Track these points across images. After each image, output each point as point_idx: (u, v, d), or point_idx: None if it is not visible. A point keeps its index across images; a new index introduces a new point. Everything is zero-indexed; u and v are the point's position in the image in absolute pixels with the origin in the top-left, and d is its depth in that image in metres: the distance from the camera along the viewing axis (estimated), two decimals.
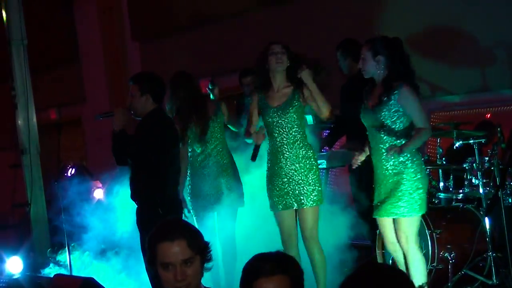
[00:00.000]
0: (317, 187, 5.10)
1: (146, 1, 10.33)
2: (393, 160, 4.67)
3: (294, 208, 5.10)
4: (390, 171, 4.70)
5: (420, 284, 4.43)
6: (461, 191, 5.57)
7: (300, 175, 5.08)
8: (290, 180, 5.09)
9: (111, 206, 6.79)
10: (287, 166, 5.10)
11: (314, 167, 5.14)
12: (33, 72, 7.99)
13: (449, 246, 5.20)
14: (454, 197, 5.63)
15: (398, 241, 4.77)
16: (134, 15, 10.65)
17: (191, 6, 9.58)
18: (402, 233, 4.71)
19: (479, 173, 5.28)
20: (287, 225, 5.15)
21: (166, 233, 2.99)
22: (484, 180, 5.30)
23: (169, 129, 5.55)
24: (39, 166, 7.89)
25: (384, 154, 4.72)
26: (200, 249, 2.99)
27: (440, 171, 5.77)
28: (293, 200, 5.08)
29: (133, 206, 5.56)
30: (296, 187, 5.07)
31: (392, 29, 7.18)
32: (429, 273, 5.25)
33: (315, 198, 5.08)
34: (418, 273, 4.70)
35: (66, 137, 10.48)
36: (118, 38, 10.94)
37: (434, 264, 5.19)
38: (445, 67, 7.07)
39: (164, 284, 2.97)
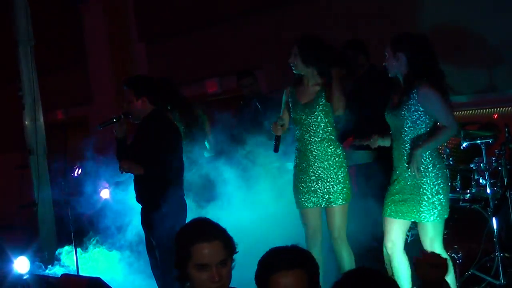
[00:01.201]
0: (346, 185, 5.10)
1: (153, 2, 10.35)
2: (428, 161, 4.58)
3: (322, 206, 5.10)
4: (410, 173, 4.63)
5: None
6: (468, 191, 5.55)
7: (330, 173, 5.07)
8: (319, 178, 5.08)
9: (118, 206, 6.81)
10: (316, 164, 5.09)
11: (344, 165, 5.13)
12: (40, 73, 8.01)
13: (456, 247, 5.19)
14: (461, 197, 5.60)
15: (422, 244, 4.77)
16: (141, 16, 10.67)
17: (197, 7, 9.59)
18: (426, 238, 4.69)
19: (486, 173, 5.27)
20: (313, 223, 5.14)
21: (202, 234, 2.98)
22: (492, 180, 5.29)
23: (171, 129, 5.55)
24: (46, 166, 7.91)
25: (405, 155, 4.69)
26: (232, 251, 3.02)
27: (447, 171, 5.76)
28: (321, 198, 5.08)
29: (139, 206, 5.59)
30: (325, 185, 5.06)
31: (399, 30, 7.19)
32: None
33: (344, 196, 5.08)
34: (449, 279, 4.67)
35: (73, 137, 10.51)
36: (124, 39, 10.96)
37: None
38: (452, 67, 7.02)
39: (196, 285, 2.96)
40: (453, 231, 5.27)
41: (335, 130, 5.16)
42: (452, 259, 5.17)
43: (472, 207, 5.53)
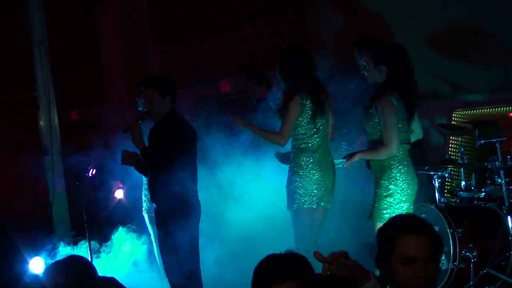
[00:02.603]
0: None
1: (166, 1, 10.37)
2: (394, 164, 4.80)
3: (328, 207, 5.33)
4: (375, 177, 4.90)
5: None
6: (483, 189, 5.54)
7: None
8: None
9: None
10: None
11: None
12: (54, 73, 8.04)
13: (471, 245, 5.16)
14: (476, 196, 5.59)
15: None
16: (154, 15, 10.69)
17: (211, 6, 9.60)
18: None
19: (501, 172, 5.24)
20: (321, 221, 5.32)
21: (410, 226, 2.83)
22: (507, 179, 5.26)
23: (189, 128, 5.54)
24: (61, 166, 7.94)
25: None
26: (440, 249, 2.88)
27: (462, 170, 5.75)
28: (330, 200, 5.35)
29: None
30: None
31: (413, 28, 7.17)
32: (451, 272, 5.23)
33: None
34: None
35: (87, 137, 10.54)
36: (138, 38, 10.98)
37: (456, 263, 5.15)
38: (466, 66, 7.02)
39: (401, 280, 2.80)
40: (468, 230, 5.24)
41: None
42: (467, 258, 5.17)
43: (487, 205, 5.50)
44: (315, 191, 5.24)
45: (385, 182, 4.81)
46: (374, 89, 4.89)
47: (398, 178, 4.80)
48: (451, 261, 5.16)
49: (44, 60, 7.86)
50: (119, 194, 8.36)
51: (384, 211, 4.80)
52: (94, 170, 7.14)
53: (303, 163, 5.26)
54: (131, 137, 5.48)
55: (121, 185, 8.40)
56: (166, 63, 10.52)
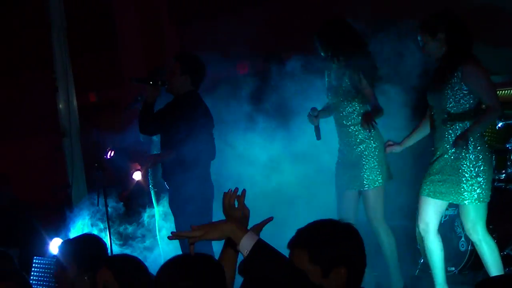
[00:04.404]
0: None
1: None
2: (470, 144, 4.55)
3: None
4: (450, 155, 4.63)
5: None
6: (503, 171, 5.50)
7: None
8: None
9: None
10: None
11: None
12: (72, 56, 8.06)
13: (491, 227, 5.13)
14: (497, 177, 5.55)
15: (464, 227, 4.76)
16: None
17: None
18: (467, 220, 4.68)
19: None
20: None
21: None
22: None
23: (205, 113, 5.56)
24: (79, 148, 7.98)
25: (446, 136, 4.66)
26: None
27: (490, 154, 5.69)
28: None
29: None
30: None
31: (433, 9, 7.08)
32: (470, 254, 5.21)
33: None
34: (491, 264, 4.64)
35: (105, 119, 10.59)
36: (155, 21, 10.98)
37: None
38: (487, 47, 6.92)
39: None
40: (488, 212, 5.21)
41: None
42: None
43: (508, 187, 5.46)
44: (385, 165, 5.27)
45: (459, 163, 4.64)
46: (441, 62, 4.71)
47: (473, 159, 4.60)
48: (470, 243, 5.13)
49: (62, 43, 7.87)
50: (137, 176, 8.39)
51: (464, 194, 4.65)
52: (113, 152, 7.18)
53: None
54: (148, 92, 5.54)
55: (139, 167, 8.43)
56: (183, 46, 10.52)
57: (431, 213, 4.75)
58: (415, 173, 5.61)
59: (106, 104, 11.70)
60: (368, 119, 4.99)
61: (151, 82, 5.59)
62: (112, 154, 7.17)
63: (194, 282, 2.64)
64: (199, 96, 5.65)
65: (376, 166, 5.23)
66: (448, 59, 4.60)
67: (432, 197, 4.72)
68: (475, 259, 5.21)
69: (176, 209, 5.58)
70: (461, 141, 4.48)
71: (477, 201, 4.59)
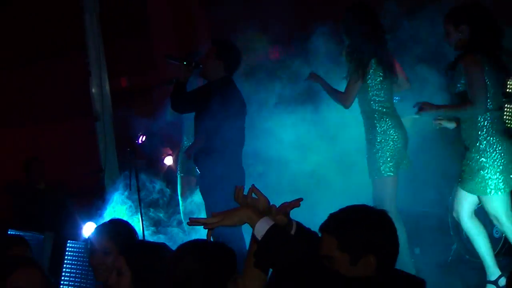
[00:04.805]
0: None
1: None
2: (482, 135, 4.63)
3: None
4: (467, 146, 4.73)
5: None
6: None
7: None
8: None
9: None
10: None
11: None
12: (105, 41, 8.11)
13: None
14: None
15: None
16: None
17: None
18: (489, 212, 4.69)
19: None
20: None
21: None
22: None
23: (238, 100, 5.56)
24: (112, 133, 8.04)
25: (462, 124, 4.67)
26: None
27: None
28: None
29: None
30: None
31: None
32: (504, 241, 5.18)
33: None
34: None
35: (137, 105, 10.65)
36: (186, 5, 10.99)
37: None
38: None
39: None
40: None
41: None
42: None
43: None
44: (396, 156, 5.21)
45: (475, 155, 4.68)
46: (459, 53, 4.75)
47: (487, 150, 4.65)
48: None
49: (95, 28, 7.92)
50: (168, 161, 8.44)
51: (480, 185, 4.68)
52: (144, 137, 7.23)
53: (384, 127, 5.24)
54: (181, 71, 5.57)
55: (170, 152, 8.48)
56: (214, 29, 10.51)
57: (460, 201, 4.78)
58: (448, 162, 5.57)
59: (138, 89, 11.77)
60: None
61: (185, 62, 5.62)
62: (143, 139, 7.23)
63: (205, 265, 2.67)
64: (233, 82, 5.66)
65: (377, 157, 5.23)
66: (463, 51, 4.63)
67: (466, 191, 4.76)
68: (509, 246, 5.17)
69: (206, 194, 5.61)
70: (426, 107, 4.70)
71: (494, 192, 4.56)
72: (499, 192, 4.62)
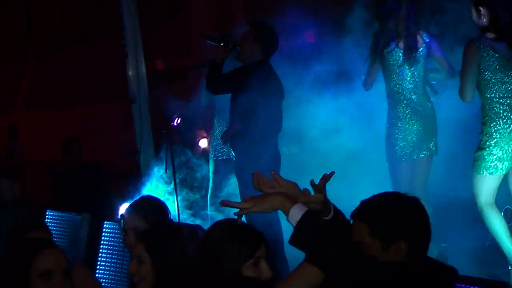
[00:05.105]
0: None
1: None
2: None
3: None
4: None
5: None
6: None
7: None
8: None
9: None
10: None
11: None
12: (141, 23, 8.15)
13: None
14: None
15: None
16: None
17: None
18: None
19: None
20: None
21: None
22: None
23: (276, 83, 5.54)
24: (148, 115, 8.11)
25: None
26: None
27: None
28: None
29: None
30: None
31: None
32: None
33: None
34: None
35: (173, 87, 10.71)
36: None
37: None
38: None
39: None
40: None
41: None
42: None
43: None
44: (412, 140, 5.26)
45: (482, 135, 4.79)
46: None
47: (492, 133, 4.69)
48: None
49: (132, 10, 7.96)
50: (203, 143, 8.47)
51: (476, 162, 4.79)
52: (180, 119, 7.27)
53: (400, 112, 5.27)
54: (218, 53, 5.58)
55: (205, 135, 8.51)
56: (249, 12, 10.48)
57: (487, 188, 4.80)
58: None
59: (174, 71, 11.82)
60: None
61: (222, 44, 5.62)
62: (179, 122, 7.26)
63: (230, 244, 2.67)
64: (270, 66, 5.64)
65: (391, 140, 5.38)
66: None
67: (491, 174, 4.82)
68: None
69: (240, 177, 5.62)
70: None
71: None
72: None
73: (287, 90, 5.78)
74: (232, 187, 6.55)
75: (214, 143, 6.88)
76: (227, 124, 6.54)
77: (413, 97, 5.30)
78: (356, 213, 2.72)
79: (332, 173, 2.83)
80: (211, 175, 6.91)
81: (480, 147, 4.81)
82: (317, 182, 2.83)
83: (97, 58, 12.03)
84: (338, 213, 2.86)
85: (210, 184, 6.91)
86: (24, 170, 12.26)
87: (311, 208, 2.75)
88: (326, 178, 2.81)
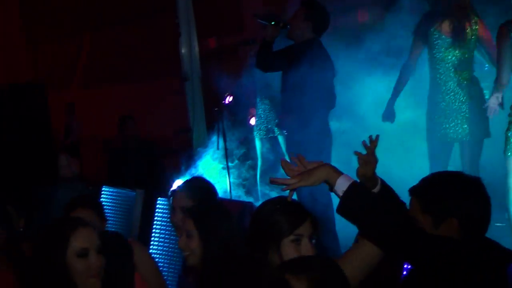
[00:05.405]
0: None
1: None
2: None
3: None
4: None
5: None
6: None
7: None
8: None
9: None
10: None
11: None
12: (194, 2, 8.22)
13: None
14: None
15: None
16: None
17: None
18: None
19: None
20: None
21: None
22: None
23: (327, 61, 5.54)
24: (200, 93, 8.21)
25: None
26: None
27: None
28: None
29: None
30: None
31: None
32: None
33: None
34: None
35: (225, 65, 10.76)
36: None
37: None
38: None
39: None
40: None
41: None
42: None
43: None
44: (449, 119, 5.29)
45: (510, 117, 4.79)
46: None
47: None
48: None
49: None
50: (254, 121, 8.55)
51: (505, 143, 4.81)
52: (231, 97, 7.34)
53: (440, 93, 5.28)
54: (268, 31, 5.61)
55: (255, 112, 8.57)
56: None
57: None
58: None
59: (225, 50, 11.86)
60: None
61: (273, 22, 5.64)
62: (230, 100, 7.34)
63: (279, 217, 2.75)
64: (321, 44, 5.64)
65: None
66: None
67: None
68: None
69: (290, 153, 5.66)
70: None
71: None
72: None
73: (339, 67, 5.78)
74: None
75: (258, 121, 6.95)
76: (270, 102, 6.62)
77: (459, 78, 5.27)
78: (411, 189, 2.76)
79: (378, 137, 2.86)
80: (258, 153, 7.01)
81: (508, 129, 4.80)
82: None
83: (151, 36, 12.13)
84: (386, 187, 2.87)
85: (259, 162, 7.00)
86: (81, 147, 12.58)
87: (361, 174, 2.79)
88: (374, 141, 2.83)
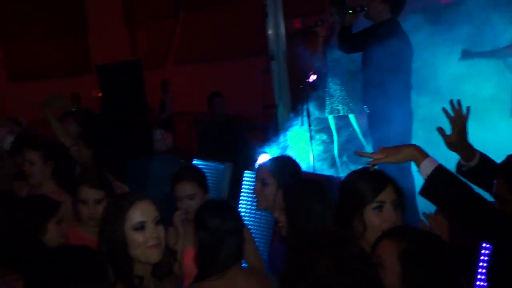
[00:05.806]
0: None
1: None
2: None
3: None
4: None
5: None
6: None
7: None
8: None
9: None
10: None
11: None
12: None
13: None
14: None
15: None
16: None
17: None
18: None
19: None
20: None
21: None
22: None
23: (405, 41, 5.62)
24: (286, 71, 8.44)
25: None
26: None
27: None
28: None
29: None
30: None
31: None
32: None
33: None
34: None
35: (310, 44, 10.91)
36: None
37: None
38: None
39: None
40: None
41: None
42: None
43: None
44: None
45: None
46: None
47: None
48: None
49: None
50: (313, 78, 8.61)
51: None
52: (315, 76, 7.54)
53: None
54: (347, 18, 5.82)
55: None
56: None
57: None
58: None
59: (309, 30, 11.96)
60: None
61: (350, 11, 5.82)
62: (314, 78, 7.53)
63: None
64: (398, 24, 5.69)
65: None
66: None
67: None
68: None
69: (374, 131, 5.83)
70: None
71: None
72: None
73: (417, 47, 5.87)
74: (357, 141, 6.85)
75: (328, 100, 7.12)
76: (342, 82, 6.81)
77: None
78: (498, 169, 2.76)
79: (469, 108, 2.86)
80: (334, 131, 7.19)
81: None
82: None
83: (240, 17, 12.33)
84: (485, 161, 2.86)
85: (335, 139, 7.19)
86: (174, 122, 12.99)
87: (449, 141, 2.82)
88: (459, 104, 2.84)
